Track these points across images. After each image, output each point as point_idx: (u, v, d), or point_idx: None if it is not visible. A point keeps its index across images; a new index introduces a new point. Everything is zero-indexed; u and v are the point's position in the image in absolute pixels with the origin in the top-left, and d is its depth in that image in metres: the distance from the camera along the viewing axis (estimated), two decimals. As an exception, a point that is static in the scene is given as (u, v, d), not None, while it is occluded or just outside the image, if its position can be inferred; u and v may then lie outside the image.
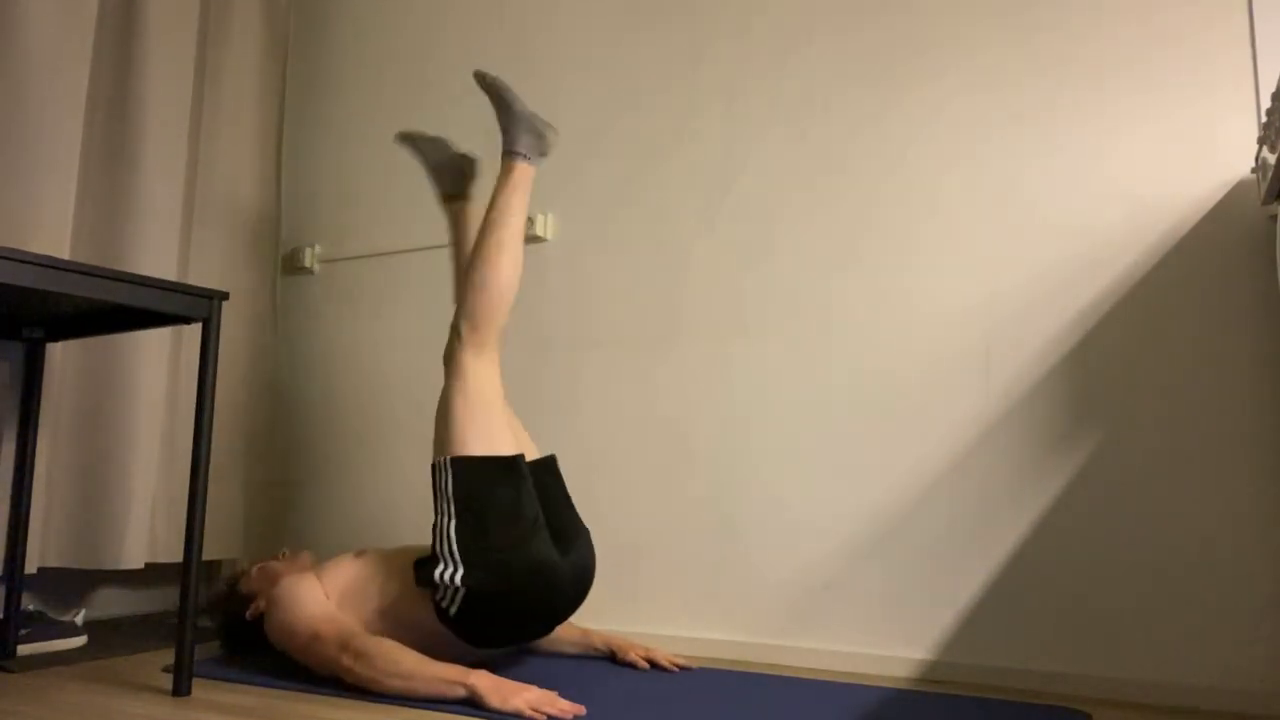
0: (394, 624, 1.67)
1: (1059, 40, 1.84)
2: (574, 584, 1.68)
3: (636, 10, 2.30)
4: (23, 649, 1.89)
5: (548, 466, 1.80)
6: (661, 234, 2.19)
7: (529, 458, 1.77)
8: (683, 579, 2.04)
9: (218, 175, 2.52)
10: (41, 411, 2.04)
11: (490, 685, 1.49)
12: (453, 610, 1.60)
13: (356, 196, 2.64)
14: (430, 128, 2.55)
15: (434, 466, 1.69)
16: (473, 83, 2.49)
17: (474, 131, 2.47)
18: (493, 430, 1.70)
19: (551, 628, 1.70)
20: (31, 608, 2.06)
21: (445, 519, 1.64)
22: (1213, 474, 1.63)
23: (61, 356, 2.14)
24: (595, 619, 2.11)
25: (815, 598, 1.91)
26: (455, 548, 1.60)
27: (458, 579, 1.58)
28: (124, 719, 1.42)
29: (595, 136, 2.30)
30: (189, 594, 1.58)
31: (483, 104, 2.48)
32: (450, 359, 1.77)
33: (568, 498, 1.79)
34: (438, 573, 1.59)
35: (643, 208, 2.22)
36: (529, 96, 2.40)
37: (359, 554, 1.83)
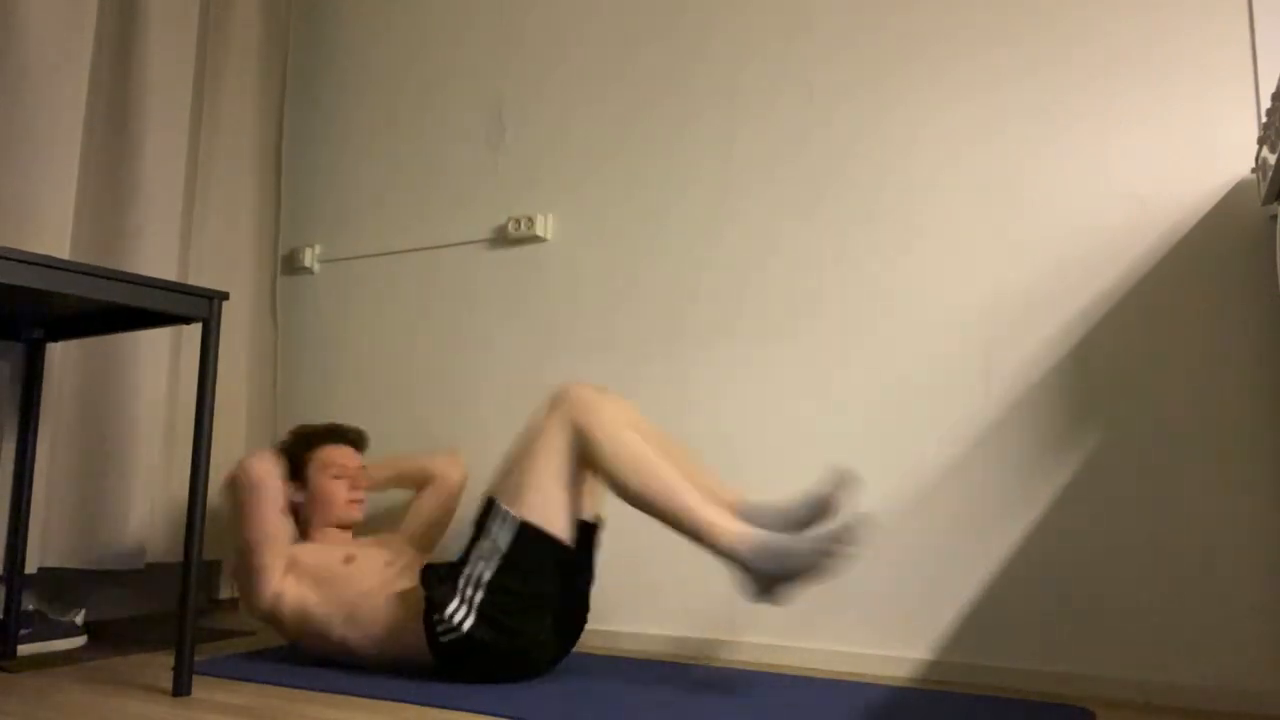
0: (370, 612, 1.73)
1: (1059, 40, 1.83)
2: (553, 661, 1.73)
3: (637, 10, 2.30)
4: (23, 649, 1.89)
5: (590, 536, 1.72)
6: (661, 234, 2.19)
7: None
8: (683, 579, 2.04)
9: (218, 175, 2.52)
10: (41, 411, 2.04)
11: None
12: (444, 639, 1.62)
13: (356, 196, 2.64)
14: (430, 128, 2.55)
15: (492, 506, 1.62)
16: (473, 83, 2.50)
17: (473, 132, 2.47)
18: (562, 504, 1.62)
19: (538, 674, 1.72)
20: (31, 608, 2.06)
21: (483, 566, 1.60)
22: (1213, 474, 1.63)
23: (61, 356, 2.14)
24: (596, 619, 2.11)
25: (815, 598, 1.90)
26: (478, 597, 1.59)
27: (465, 625, 1.59)
28: (124, 719, 1.42)
29: (595, 137, 2.30)
30: (189, 594, 1.58)
31: (483, 104, 2.48)
32: (561, 409, 1.64)
33: (590, 575, 1.75)
34: (450, 609, 1.59)
35: (643, 208, 2.22)
36: (528, 96, 2.40)
37: (348, 559, 1.86)
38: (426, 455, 2.19)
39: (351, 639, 1.76)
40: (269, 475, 1.88)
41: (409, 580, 1.76)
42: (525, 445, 1.64)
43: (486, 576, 1.58)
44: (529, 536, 1.58)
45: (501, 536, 1.59)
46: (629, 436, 1.59)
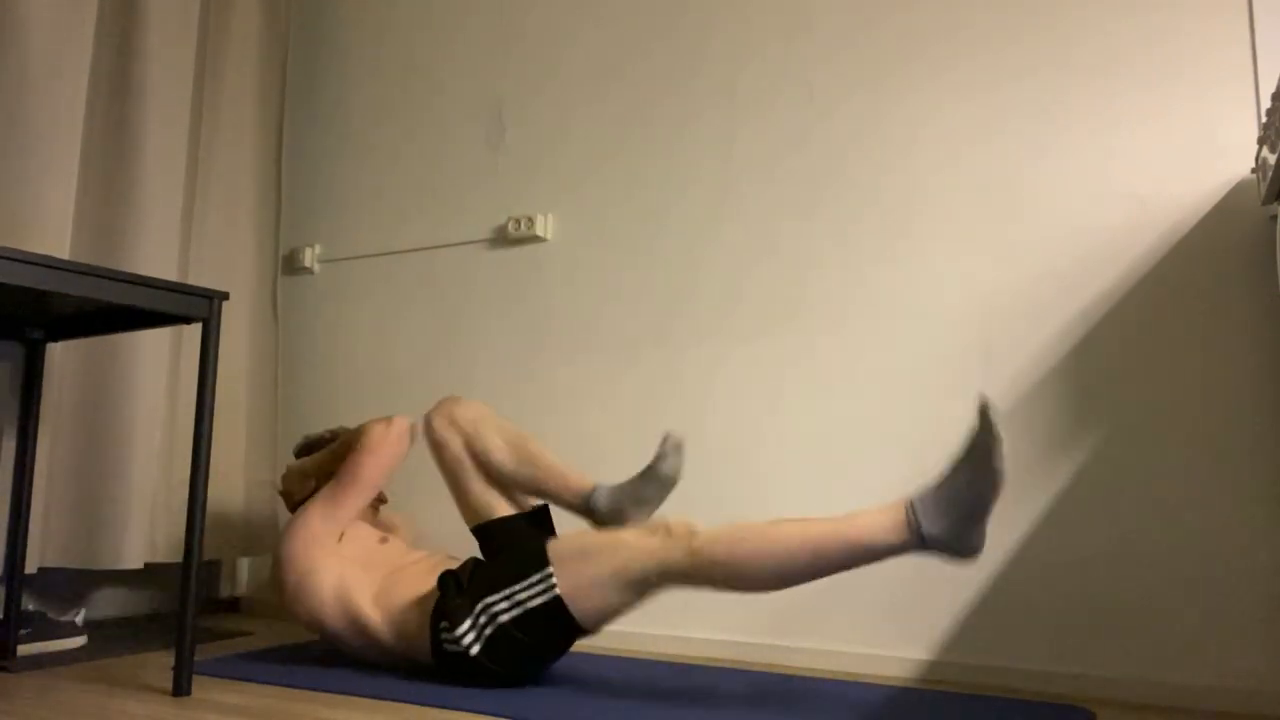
0: (385, 612, 1.73)
1: (1059, 40, 1.83)
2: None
3: (636, 11, 2.30)
4: (23, 649, 1.89)
5: None
6: (661, 234, 2.19)
7: None
8: (683, 579, 2.04)
9: (218, 175, 2.52)
10: (41, 411, 2.04)
11: None
12: (447, 649, 1.63)
13: (356, 196, 2.64)
14: (430, 128, 2.55)
15: (546, 564, 1.59)
16: (473, 84, 2.50)
17: (473, 131, 2.47)
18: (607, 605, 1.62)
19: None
20: (31, 608, 2.06)
21: (504, 608, 1.59)
22: (1213, 473, 1.63)
23: (61, 356, 2.14)
24: (595, 619, 2.11)
25: (815, 598, 1.91)
26: (489, 631, 1.60)
27: (472, 650, 1.59)
28: (124, 719, 1.42)
29: (595, 137, 2.30)
30: (189, 594, 1.58)
31: (483, 104, 2.48)
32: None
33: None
34: (460, 630, 1.60)
35: (643, 208, 2.22)
36: (528, 96, 2.40)
37: (383, 540, 1.92)
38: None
39: (372, 619, 1.73)
40: (404, 445, 1.95)
41: (429, 568, 1.79)
42: (609, 546, 1.58)
43: (503, 619, 1.59)
44: (558, 612, 1.57)
45: (536, 598, 1.58)
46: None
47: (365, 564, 1.82)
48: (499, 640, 1.59)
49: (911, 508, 1.43)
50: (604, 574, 1.55)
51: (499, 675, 1.61)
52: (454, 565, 1.78)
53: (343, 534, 1.87)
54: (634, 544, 1.54)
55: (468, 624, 1.59)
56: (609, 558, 1.55)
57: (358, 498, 1.89)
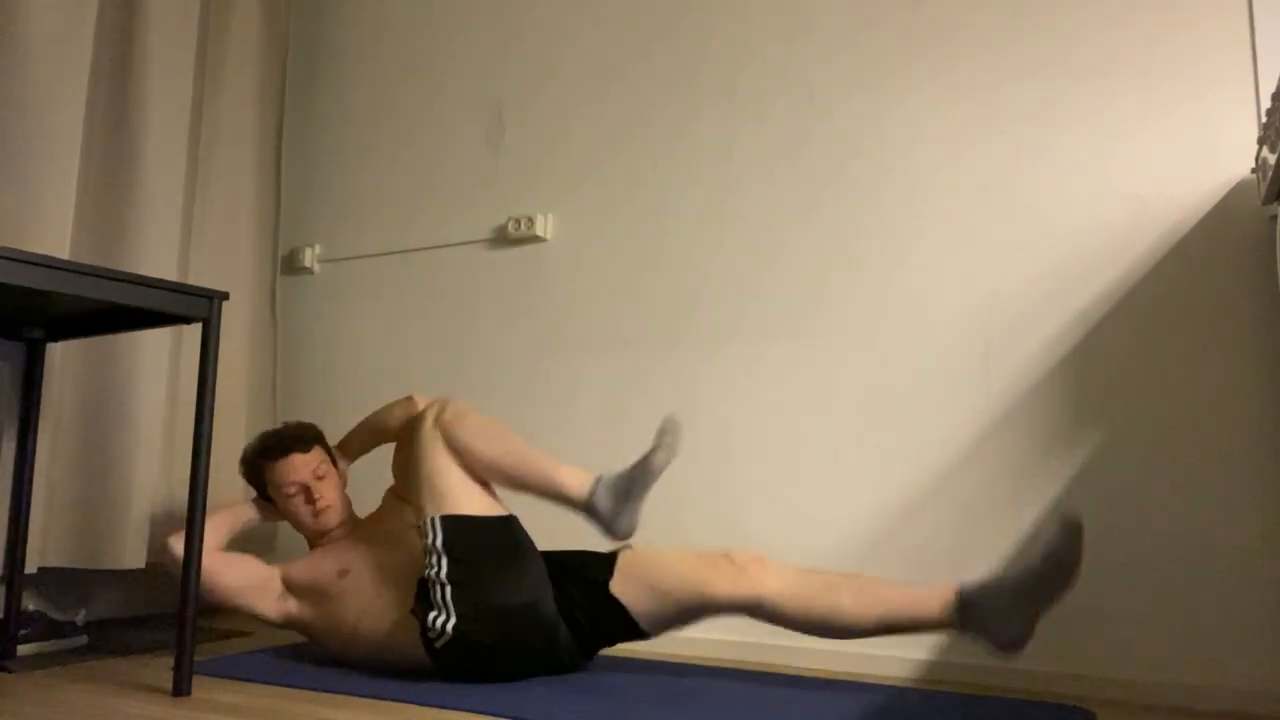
0: (369, 631, 1.75)
1: (1059, 40, 1.83)
2: (568, 661, 1.73)
3: (636, 11, 2.30)
4: (23, 649, 1.89)
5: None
6: (661, 234, 2.19)
7: None
8: (683, 579, 2.04)
9: (218, 175, 2.51)
10: (41, 411, 2.04)
11: None
12: (437, 646, 1.64)
13: (356, 196, 2.64)
14: (430, 128, 2.55)
15: (423, 523, 1.71)
16: (473, 84, 2.50)
17: (473, 132, 2.47)
18: (468, 493, 1.76)
19: (555, 670, 1.72)
20: (31, 608, 2.06)
21: (436, 567, 1.64)
22: (1213, 474, 1.63)
23: (61, 356, 2.14)
24: (595, 619, 2.10)
25: (815, 598, 1.90)
26: (447, 593, 1.63)
27: (449, 626, 1.61)
28: (124, 719, 1.42)
29: (595, 137, 2.30)
30: (189, 594, 1.58)
31: (483, 104, 2.48)
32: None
33: (596, 573, 1.75)
34: (431, 618, 1.62)
35: (643, 208, 2.22)
36: (528, 96, 2.40)
37: (342, 573, 1.82)
38: (384, 409, 2.04)
39: (356, 653, 1.78)
40: (208, 564, 1.83)
41: (405, 587, 1.74)
42: (420, 470, 1.74)
43: (443, 573, 1.63)
44: (451, 524, 1.68)
45: (436, 538, 1.67)
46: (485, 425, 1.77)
47: (319, 597, 1.82)
48: (458, 591, 1.62)
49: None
50: (443, 483, 1.71)
51: (497, 639, 1.62)
52: (402, 569, 1.78)
53: (283, 584, 1.87)
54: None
55: (433, 610, 1.62)
56: (430, 477, 1.72)
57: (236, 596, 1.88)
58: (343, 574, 1.81)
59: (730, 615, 1.64)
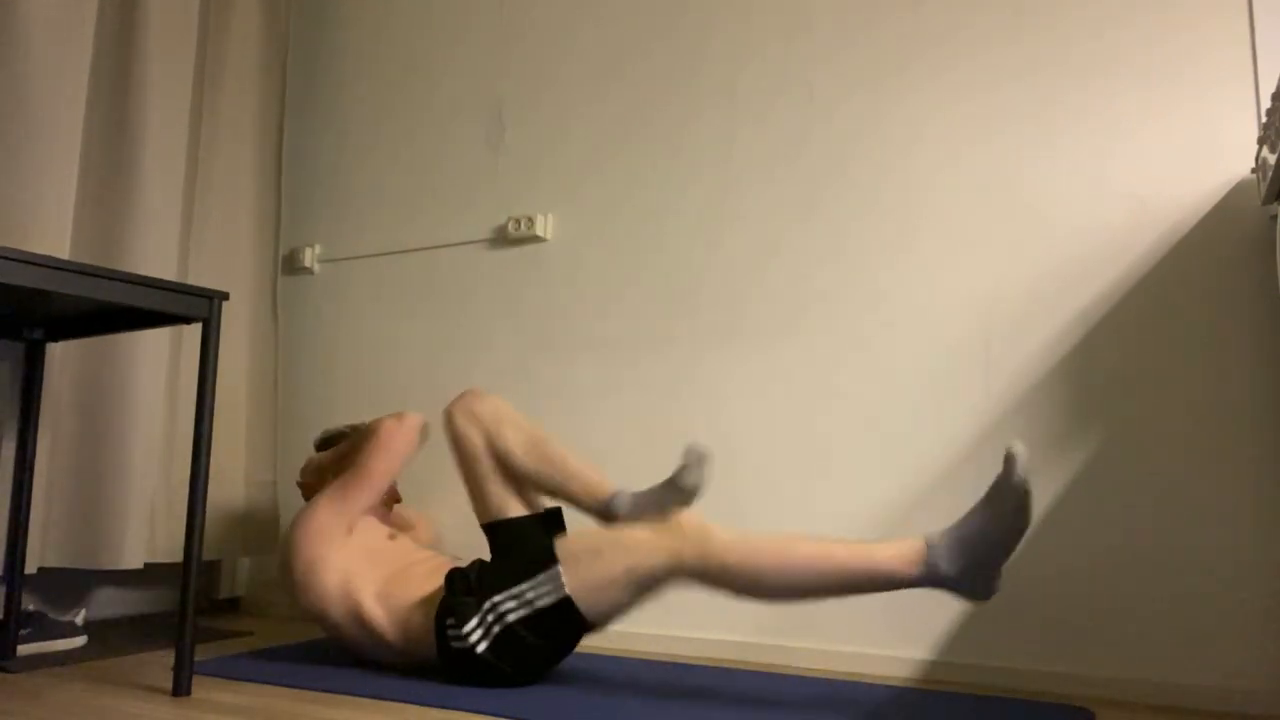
0: (389, 608, 1.73)
1: (1059, 40, 1.83)
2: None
3: (636, 11, 2.30)
4: (23, 649, 1.89)
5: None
6: (661, 234, 2.19)
7: None
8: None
9: (218, 175, 2.52)
10: (41, 411, 2.04)
11: None
12: (453, 646, 1.62)
13: (356, 196, 2.64)
14: (430, 128, 2.55)
15: (554, 565, 1.59)
16: (473, 84, 2.50)
17: (473, 132, 2.47)
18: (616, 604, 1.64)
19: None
20: (31, 608, 2.06)
21: (513, 607, 1.59)
22: (1213, 474, 1.63)
23: (61, 356, 2.14)
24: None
25: (815, 598, 1.90)
26: (496, 630, 1.59)
27: (479, 648, 1.59)
28: (124, 719, 1.42)
29: (595, 137, 2.30)
30: (189, 594, 1.58)
31: (483, 104, 2.48)
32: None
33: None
34: (468, 628, 1.59)
35: (643, 208, 2.22)
36: (528, 96, 2.40)
37: (391, 536, 1.93)
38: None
39: (375, 614, 1.73)
40: (414, 441, 1.97)
41: (435, 567, 1.79)
42: (620, 545, 1.58)
43: (511, 619, 1.58)
44: (567, 612, 1.57)
45: (544, 597, 1.58)
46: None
47: (372, 559, 1.82)
48: (506, 640, 1.58)
49: (930, 545, 1.44)
50: (615, 572, 1.54)
51: (505, 674, 1.61)
52: (461, 565, 1.78)
53: (352, 527, 1.88)
54: (645, 542, 1.54)
55: (474, 621, 1.59)
56: (620, 556, 1.55)
57: (367, 491, 1.89)
58: (392, 537, 1.93)
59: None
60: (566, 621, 1.57)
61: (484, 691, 1.58)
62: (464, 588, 1.63)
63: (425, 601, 1.69)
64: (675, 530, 1.55)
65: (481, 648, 1.59)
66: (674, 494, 1.67)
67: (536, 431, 1.81)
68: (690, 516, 1.58)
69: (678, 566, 1.51)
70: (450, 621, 1.61)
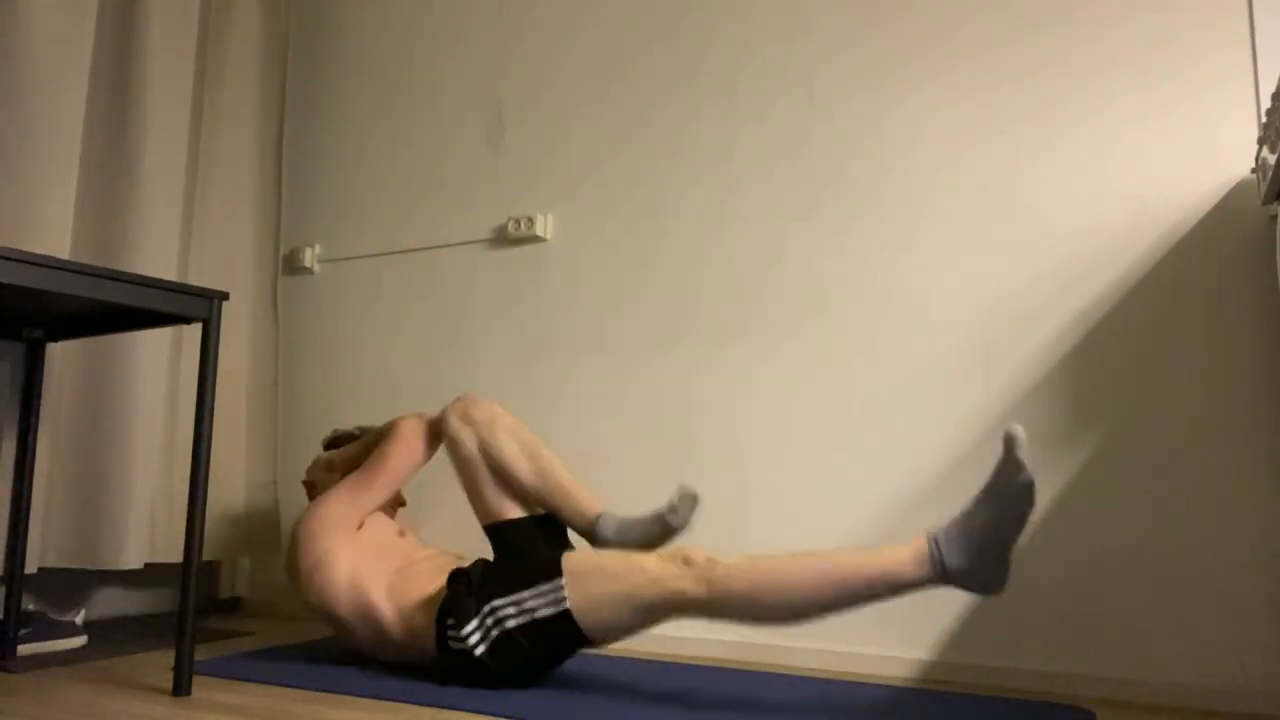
0: (395, 604, 1.73)
1: (1059, 40, 1.83)
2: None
3: (637, 11, 2.30)
4: (23, 649, 1.89)
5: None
6: (661, 234, 2.19)
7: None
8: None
9: (218, 175, 2.52)
10: (41, 411, 2.04)
11: None
12: (451, 646, 1.62)
13: (356, 196, 2.64)
14: (430, 128, 2.55)
15: (559, 574, 1.59)
16: (473, 84, 2.50)
17: (473, 132, 2.47)
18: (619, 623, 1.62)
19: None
20: (31, 608, 2.06)
21: (513, 613, 1.59)
22: (1213, 474, 1.63)
23: (61, 356, 2.14)
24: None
25: (815, 598, 1.90)
26: (495, 634, 1.59)
27: (477, 650, 1.59)
28: (124, 719, 1.42)
29: (595, 137, 2.30)
30: (189, 594, 1.58)
31: (483, 104, 2.48)
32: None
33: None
34: (467, 630, 1.59)
35: (643, 208, 2.22)
36: (528, 96, 2.40)
37: (401, 533, 1.94)
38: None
39: (383, 609, 1.73)
40: (422, 446, 1.96)
41: (441, 565, 1.80)
42: (628, 569, 1.56)
43: (510, 625, 1.59)
44: (566, 625, 1.56)
45: (545, 608, 1.58)
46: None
47: (380, 555, 1.83)
48: (503, 645, 1.59)
49: (934, 541, 1.42)
50: (617, 594, 1.53)
51: (500, 676, 1.61)
52: (465, 564, 1.78)
53: (362, 523, 1.89)
54: (651, 570, 1.53)
55: (474, 624, 1.59)
56: (624, 579, 1.54)
57: (383, 487, 1.91)
58: (401, 534, 1.94)
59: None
60: (564, 634, 1.57)
61: (484, 692, 1.58)
62: (466, 588, 1.63)
63: (429, 600, 1.69)
64: (680, 560, 1.53)
65: (479, 650, 1.59)
66: (659, 528, 1.69)
67: (531, 441, 1.82)
68: (697, 547, 1.55)
69: (681, 599, 1.50)
70: (450, 622, 1.62)
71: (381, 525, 1.93)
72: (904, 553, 1.43)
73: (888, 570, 1.43)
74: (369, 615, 1.74)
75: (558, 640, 1.58)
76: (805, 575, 1.46)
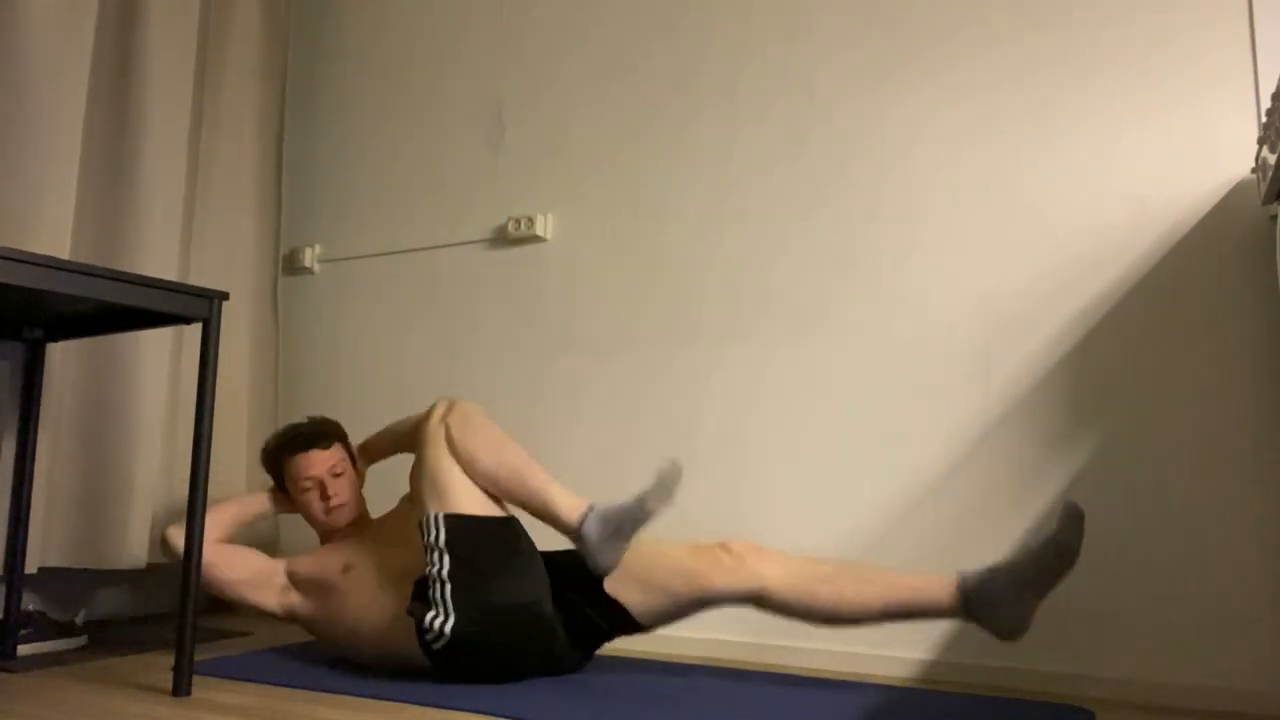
0: (370, 628, 1.75)
1: (1059, 40, 1.83)
2: (566, 661, 1.74)
3: (636, 11, 2.30)
4: (23, 649, 1.89)
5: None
6: (661, 234, 2.19)
7: None
8: (683, 579, 2.04)
9: (218, 175, 2.52)
10: (41, 411, 2.04)
11: None
12: (435, 647, 1.62)
13: (356, 196, 2.64)
14: (430, 128, 2.55)
15: (424, 519, 1.68)
16: (473, 84, 2.50)
17: (473, 132, 2.47)
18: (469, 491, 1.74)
19: (553, 671, 1.73)
20: (31, 608, 2.06)
21: (438, 566, 1.63)
22: (1213, 474, 1.63)
23: (61, 356, 2.14)
24: (595, 619, 2.10)
25: (815, 598, 1.90)
26: (446, 592, 1.61)
27: (448, 627, 1.59)
28: (124, 719, 1.42)
29: (595, 137, 2.30)
30: (189, 594, 1.58)
31: (483, 104, 2.48)
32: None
33: (594, 575, 1.71)
34: (429, 619, 1.61)
35: (643, 208, 2.22)
36: (528, 96, 2.40)
37: (347, 568, 1.84)
38: (410, 417, 2.00)
39: (358, 649, 1.79)
40: (207, 557, 1.84)
41: (408, 586, 1.74)
42: (422, 466, 1.73)
43: (444, 571, 1.63)
44: (453, 523, 1.66)
45: (439, 535, 1.65)
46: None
47: (321, 592, 1.83)
48: (458, 592, 1.60)
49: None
50: (444, 479, 1.69)
51: (496, 640, 1.61)
52: (405, 570, 1.78)
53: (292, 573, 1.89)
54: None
55: (431, 610, 1.61)
56: (432, 474, 1.70)
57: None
58: (347, 569, 1.83)
59: (731, 605, 1.64)
60: (467, 529, 1.65)
61: (484, 692, 1.58)
62: (417, 598, 1.67)
63: (403, 626, 1.70)
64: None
65: (450, 624, 1.59)
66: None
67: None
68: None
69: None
70: (422, 628, 1.62)
71: (332, 563, 1.86)
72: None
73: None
74: (353, 645, 1.80)
75: (472, 541, 1.65)
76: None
